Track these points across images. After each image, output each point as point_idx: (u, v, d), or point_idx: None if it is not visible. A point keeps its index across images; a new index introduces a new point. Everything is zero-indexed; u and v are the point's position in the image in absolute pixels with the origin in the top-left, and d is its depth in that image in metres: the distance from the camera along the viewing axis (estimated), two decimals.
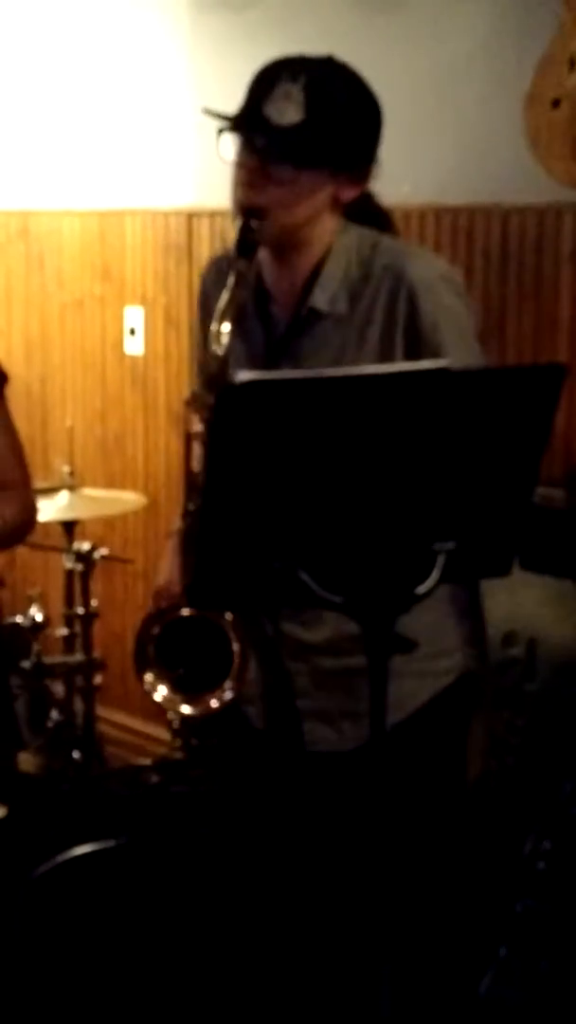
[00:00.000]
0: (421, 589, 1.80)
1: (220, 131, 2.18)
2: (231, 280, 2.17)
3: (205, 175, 4.03)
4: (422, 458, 1.76)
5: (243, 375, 1.69)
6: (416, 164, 3.48)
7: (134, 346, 4.30)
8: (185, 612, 2.32)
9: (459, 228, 3.39)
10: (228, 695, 2.31)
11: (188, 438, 2.29)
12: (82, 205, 4.45)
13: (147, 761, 3.68)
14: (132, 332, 4.31)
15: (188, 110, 4.07)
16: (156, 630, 2.32)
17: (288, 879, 2.49)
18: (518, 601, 2.95)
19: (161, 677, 2.31)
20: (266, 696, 2.40)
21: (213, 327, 2.16)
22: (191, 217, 4.07)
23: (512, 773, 2.95)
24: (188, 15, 4.06)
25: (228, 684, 2.31)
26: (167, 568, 2.42)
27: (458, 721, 2.45)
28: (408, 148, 3.54)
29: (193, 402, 2.27)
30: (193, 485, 2.27)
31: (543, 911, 2.38)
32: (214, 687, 2.32)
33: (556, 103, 3.03)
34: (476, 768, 3.01)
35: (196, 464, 2.24)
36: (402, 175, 3.46)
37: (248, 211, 2.15)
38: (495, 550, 1.90)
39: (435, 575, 1.80)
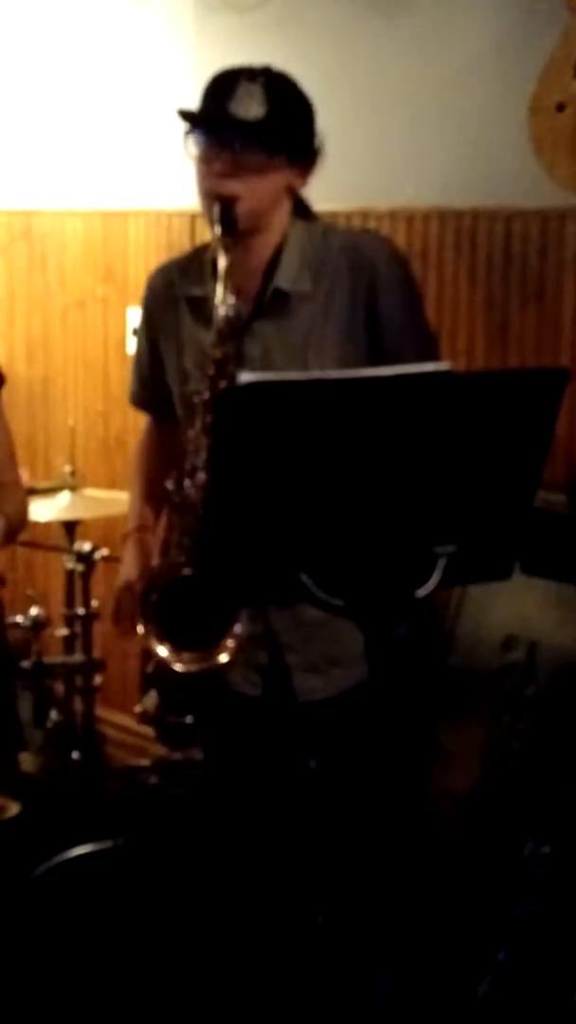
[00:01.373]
0: (421, 592, 1.80)
1: (187, 133, 2.41)
2: (221, 253, 2.36)
3: None
4: (424, 461, 1.76)
5: (245, 376, 1.70)
6: (421, 167, 3.48)
7: None
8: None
9: (463, 231, 3.39)
10: (224, 656, 2.36)
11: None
12: (85, 205, 4.45)
13: (146, 762, 3.68)
14: (135, 333, 4.29)
15: None
16: (185, 572, 2.35)
17: (285, 881, 2.49)
18: (519, 605, 2.95)
19: (157, 631, 2.36)
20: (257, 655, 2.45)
21: (219, 290, 2.36)
22: (194, 218, 4.07)
23: (512, 777, 2.95)
24: (192, 16, 4.06)
25: (225, 645, 2.36)
26: (129, 565, 2.54)
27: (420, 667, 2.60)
28: (413, 151, 3.55)
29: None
30: (185, 449, 2.39)
31: (542, 915, 2.38)
32: (208, 647, 2.36)
33: (560, 108, 3.03)
34: (475, 772, 3.01)
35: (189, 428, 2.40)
36: (406, 178, 3.49)
37: (223, 198, 2.36)
38: (496, 554, 1.90)
39: (436, 578, 1.80)
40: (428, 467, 1.77)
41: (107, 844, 2.93)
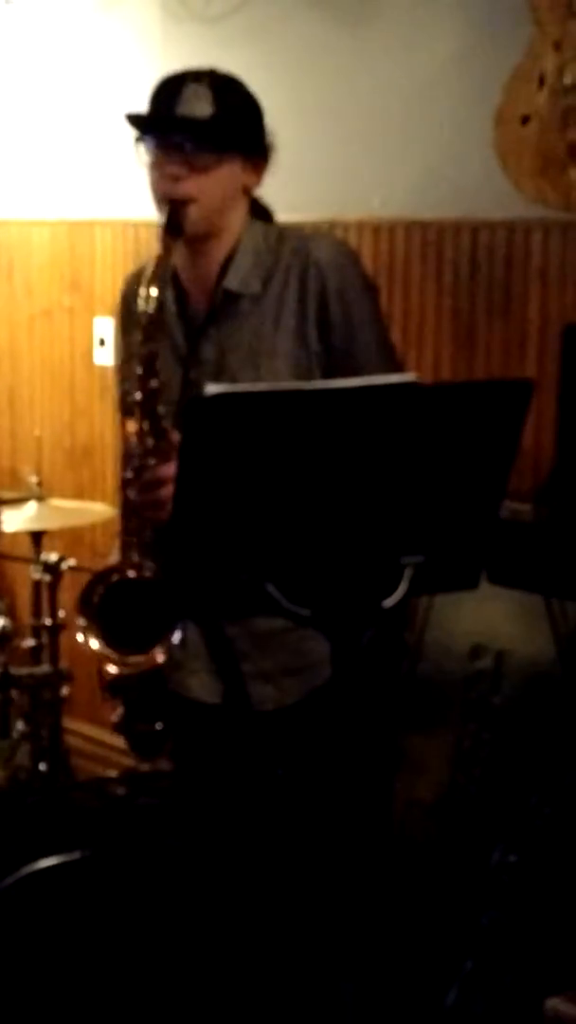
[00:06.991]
0: (389, 602, 1.80)
1: (138, 140, 2.39)
2: (159, 250, 2.37)
3: None
4: (390, 471, 1.77)
5: (211, 388, 1.70)
6: (386, 178, 3.50)
7: (103, 357, 4.29)
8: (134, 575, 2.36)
9: (429, 243, 3.41)
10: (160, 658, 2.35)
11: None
12: (51, 215, 4.45)
13: (113, 773, 3.68)
14: (101, 343, 4.30)
15: None
16: (114, 578, 2.34)
17: (253, 892, 2.49)
18: (486, 614, 2.96)
19: (96, 628, 2.35)
20: (215, 663, 2.46)
21: (141, 291, 2.37)
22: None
23: (479, 786, 2.96)
24: (159, 26, 4.06)
25: (159, 648, 2.35)
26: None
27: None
28: (378, 162, 3.56)
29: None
30: (129, 452, 2.35)
31: (509, 924, 2.39)
32: (145, 649, 2.36)
33: (525, 120, 3.04)
34: (443, 781, 3.01)
35: (131, 428, 2.37)
36: (373, 189, 3.50)
37: (175, 202, 2.35)
38: (463, 564, 1.90)
39: (403, 588, 1.80)
40: (395, 477, 1.78)
41: (74, 856, 2.92)
